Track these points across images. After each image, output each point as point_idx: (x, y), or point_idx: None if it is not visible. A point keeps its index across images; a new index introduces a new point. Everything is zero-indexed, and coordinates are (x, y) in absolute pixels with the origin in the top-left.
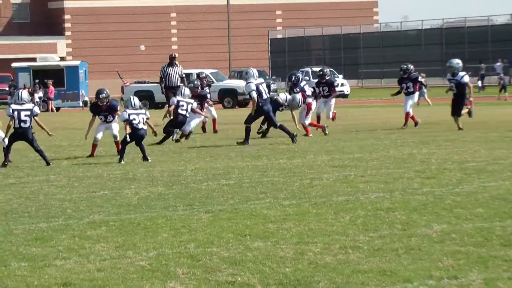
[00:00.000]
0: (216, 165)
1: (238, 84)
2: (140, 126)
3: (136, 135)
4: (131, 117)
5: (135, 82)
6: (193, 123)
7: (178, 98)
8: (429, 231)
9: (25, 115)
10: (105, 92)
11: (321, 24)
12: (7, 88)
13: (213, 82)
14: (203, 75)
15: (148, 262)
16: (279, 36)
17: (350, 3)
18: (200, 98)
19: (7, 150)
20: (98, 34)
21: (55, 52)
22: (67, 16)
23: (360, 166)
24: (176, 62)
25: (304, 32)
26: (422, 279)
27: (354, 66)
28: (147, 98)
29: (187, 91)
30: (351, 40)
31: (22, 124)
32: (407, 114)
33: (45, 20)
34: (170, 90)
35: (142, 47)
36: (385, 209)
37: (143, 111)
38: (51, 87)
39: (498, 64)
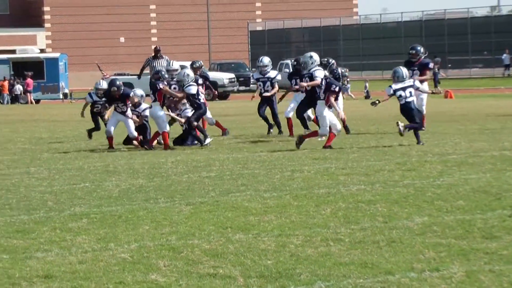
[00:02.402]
0: (197, 157)
1: (218, 76)
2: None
3: None
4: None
5: (115, 74)
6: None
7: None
8: (410, 224)
9: None
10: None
11: (301, 16)
12: None
13: (207, 74)
14: (197, 64)
15: (130, 255)
16: (259, 28)
17: None
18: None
19: None
20: (78, 26)
21: (35, 44)
22: (46, 8)
23: (341, 159)
24: (163, 55)
25: (283, 24)
26: (403, 272)
27: (333, 58)
28: None
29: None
30: (331, 32)
31: None
32: (288, 119)
33: (24, 12)
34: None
35: (122, 39)
36: (366, 202)
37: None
38: (29, 80)
39: (505, 55)
